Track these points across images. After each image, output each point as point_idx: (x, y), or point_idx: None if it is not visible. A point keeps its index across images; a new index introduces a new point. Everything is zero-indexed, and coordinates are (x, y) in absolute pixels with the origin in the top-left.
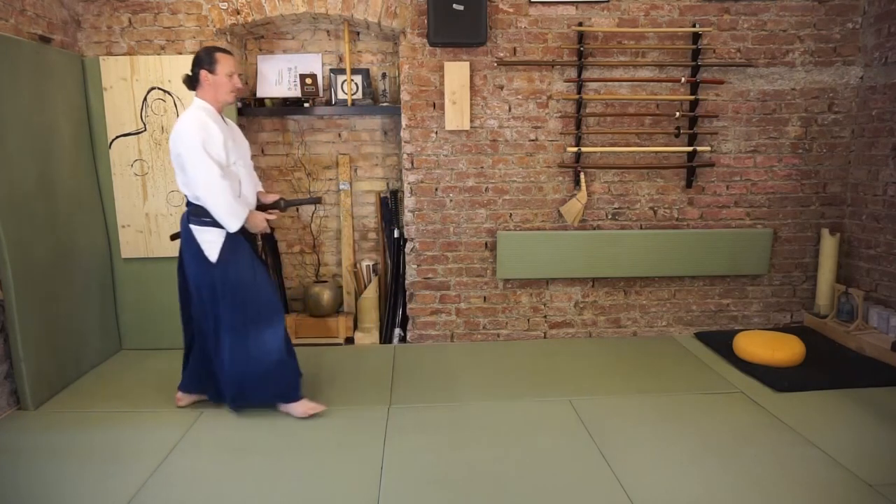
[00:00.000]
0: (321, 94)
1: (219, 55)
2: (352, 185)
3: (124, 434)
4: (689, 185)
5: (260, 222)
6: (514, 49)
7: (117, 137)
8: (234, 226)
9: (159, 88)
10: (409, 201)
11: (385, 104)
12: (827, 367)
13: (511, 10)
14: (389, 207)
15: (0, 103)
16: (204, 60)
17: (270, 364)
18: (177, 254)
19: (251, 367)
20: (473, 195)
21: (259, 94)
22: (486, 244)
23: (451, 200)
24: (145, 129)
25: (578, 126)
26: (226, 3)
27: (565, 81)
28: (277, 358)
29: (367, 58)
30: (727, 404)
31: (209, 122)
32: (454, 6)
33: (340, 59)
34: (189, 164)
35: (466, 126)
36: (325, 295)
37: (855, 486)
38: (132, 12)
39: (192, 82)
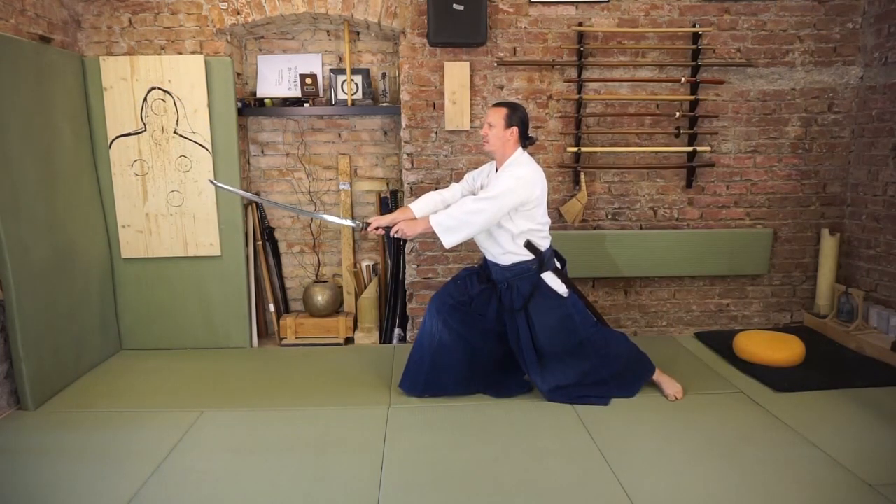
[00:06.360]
0: (321, 94)
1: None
2: (352, 185)
3: (124, 434)
4: (689, 185)
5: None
6: (514, 49)
7: (117, 137)
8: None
9: (159, 88)
10: (408, 201)
11: (385, 104)
12: (827, 367)
13: (511, 10)
14: (389, 207)
15: (0, 103)
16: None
17: None
18: (177, 254)
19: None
20: None
21: (259, 94)
22: None
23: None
24: (145, 129)
25: (578, 126)
26: (226, 3)
27: (565, 81)
28: None
29: (367, 58)
30: (727, 404)
31: None
32: (454, 6)
33: (340, 59)
34: None
35: (466, 126)
36: (325, 295)
37: (855, 486)
38: (132, 12)
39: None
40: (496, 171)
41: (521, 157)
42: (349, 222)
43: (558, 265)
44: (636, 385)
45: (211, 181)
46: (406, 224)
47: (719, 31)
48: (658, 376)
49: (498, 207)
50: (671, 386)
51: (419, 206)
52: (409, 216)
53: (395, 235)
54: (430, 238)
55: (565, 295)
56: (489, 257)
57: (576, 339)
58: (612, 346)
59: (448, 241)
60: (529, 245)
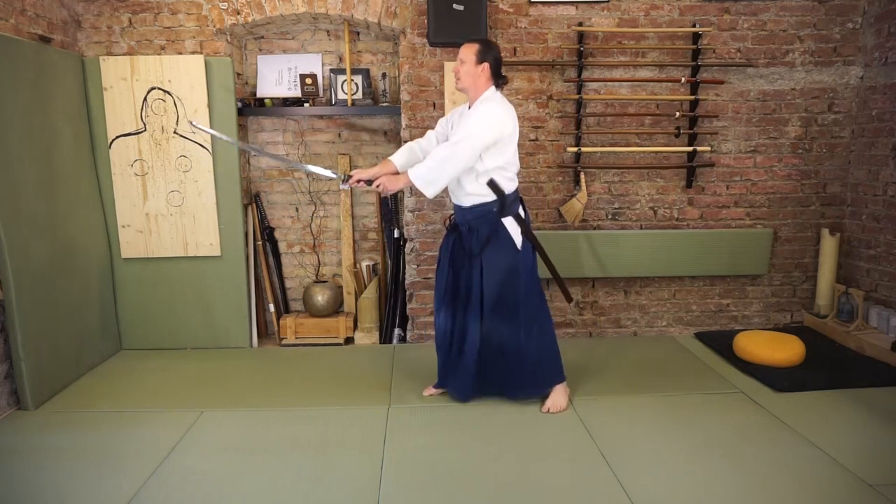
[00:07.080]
0: (321, 94)
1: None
2: None
3: (124, 434)
4: (689, 185)
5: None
6: (514, 49)
7: (117, 137)
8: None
9: (159, 88)
10: (409, 201)
11: (385, 104)
12: (827, 367)
13: (511, 10)
14: (389, 207)
15: (0, 103)
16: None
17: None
18: (177, 254)
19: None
20: None
21: (259, 94)
22: None
23: (450, 200)
24: (145, 129)
25: (578, 126)
26: (226, 3)
27: (565, 81)
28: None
29: (367, 58)
30: (727, 404)
31: None
32: (454, 6)
33: (340, 59)
34: None
35: None
36: (325, 295)
37: (855, 486)
38: (132, 12)
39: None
40: (469, 109)
41: (493, 94)
42: (330, 173)
43: (522, 214)
44: (543, 388)
45: (191, 122)
46: (387, 179)
47: (719, 31)
48: (560, 386)
49: (470, 148)
50: (559, 400)
51: (398, 158)
52: (391, 170)
53: (377, 190)
54: (430, 238)
55: (520, 248)
56: (454, 199)
57: (513, 297)
58: (544, 326)
59: (430, 192)
60: (493, 184)
